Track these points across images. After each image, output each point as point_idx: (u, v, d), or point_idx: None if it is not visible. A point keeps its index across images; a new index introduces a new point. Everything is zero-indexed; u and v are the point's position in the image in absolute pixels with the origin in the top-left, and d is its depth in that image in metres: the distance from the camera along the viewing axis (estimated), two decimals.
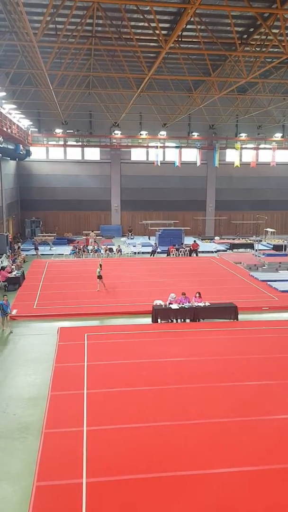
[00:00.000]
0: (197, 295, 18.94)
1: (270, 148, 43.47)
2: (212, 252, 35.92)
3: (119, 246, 34.96)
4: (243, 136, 43.83)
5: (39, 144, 42.43)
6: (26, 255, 32.43)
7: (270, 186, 45.52)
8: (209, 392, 12.15)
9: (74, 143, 43.27)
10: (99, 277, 22.64)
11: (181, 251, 34.47)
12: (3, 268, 24.30)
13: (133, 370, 13.50)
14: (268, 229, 41.26)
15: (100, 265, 23.39)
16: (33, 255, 33.07)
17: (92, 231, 39.44)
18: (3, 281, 23.19)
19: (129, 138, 43.37)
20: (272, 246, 36.87)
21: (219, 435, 10.11)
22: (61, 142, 43.09)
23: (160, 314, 18.21)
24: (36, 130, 41.73)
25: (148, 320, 18.37)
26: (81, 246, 34.24)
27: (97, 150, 43.75)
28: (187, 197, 44.82)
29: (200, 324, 18.13)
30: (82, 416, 10.79)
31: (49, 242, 36.62)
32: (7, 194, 36.32)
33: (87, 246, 34.77)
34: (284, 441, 9.89)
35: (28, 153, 39.46)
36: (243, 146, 43.66)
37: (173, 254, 34.02)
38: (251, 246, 36.93)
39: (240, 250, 36.97)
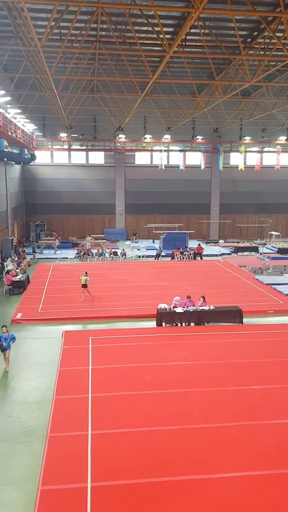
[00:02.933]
0: (201, 299, 18.90)
1: (275, 151, 43.43)
2: (216, 255, 35.86)
3: (123, 249, 35.00)
4: (247, 139, 43.83)
5: (43, 148, 42.60)
6: (31, 258, 32.54)
7: (274, 189, 45.45)
8: (214, 396, 12.10)
9: (79, 147, 43.42)
10: (84, 285, 21.29)
11: (185, 254, 34.44)
12: (8, 272, 24.37)
13: (137, 374, 13.47)
14: (272, 232, 41.19)
15: (86, 273, 21.76)
16: (37, 258, 33.32)
17: (89, 235, 39.13)
18: (8, 285, 23.26)
19: (133, 142, 43.46)
20: (277, 249, 36.76)
21: (224, 440, 10.06)
22: (66, 146, 43.25)
23: (164, 317, 18.17)
24: (41, 134, 41.93)
25: (152, 323, 18.34)
26: (86, 250, 34.30)
27: (102, 154, 43.87)
28: (191, 200, 44.82)
29: (204, 327, 18.07)
30: (86, 420, 10.77)
31: (54, 246, 36.72)
32: (12, 198, 36.46)
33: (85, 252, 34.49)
34: None
35: (33, 157, 39.61)
36: (247, 149, 43.64)
37: (177, 258, 33.99)
38: (255, 249, 36.85)
39: (245, 253, 36.88)
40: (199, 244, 36.49)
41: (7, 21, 20.65)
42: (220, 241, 42.50)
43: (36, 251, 34.30)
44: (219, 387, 12.57)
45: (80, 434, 10.16)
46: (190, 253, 34.58)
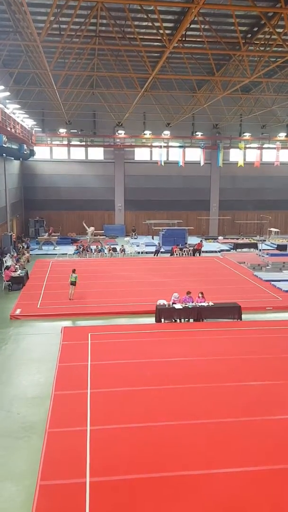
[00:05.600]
0: (200, 295, 18.92)
1: (274, 148, 43.35)
2: (215, 252, 35.87)
3: (122, 245, 34.98)
4: (247, 135, 43.74)
5: (43, 144, 42.49)
6: (31, 254, 32.54)
7: (274, 186, 45.40)
8: (213, 392, 12.13)
9: (78, 143, 43.30)
10: (73, 283, 20.94)
11: (184, 251, 34.45)
12: (7, 268, 24.37)
13: (136, 370, 13.50)
14: (272, 229, 41.20)
15: (74, 271, 21.35)
16: (36, 254, 33.37)
17: (90, 227, 39.06)
18: (7, 281, 23.25)
19: (132, 138, 43.36)
20: (276, 246, 36.78)
21: (223, 435, 10.09)
22: (65, 142, 43.14)
23: (163, 314, 18.20)
24: (40, 130, 41.80)
25: (151, 319, 18.37)
26: (85, 246, 34.27)
27: (101, 150, 43.77)
28: (190, 196, 44.77)
29: (203, 324, 18.10)
30: (85, 415, 10.80)
31: (53, 242, 36.72)
32: (11, 194, 36.39)
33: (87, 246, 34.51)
34: None
35: (32, 153, 39.53)
36: (247, 145, 43.56)
37: (176, 254, 34.00)
38: (255, 246, 36.85)
39: (244, 250, 36.86)
40: (201, 241, 36.49)
41: (6, 15, 20.51)
42: (219, 237, 42.51)
43: (35, 246, 34.34)
44: (218, 383, 12.61)
45: (79, 430, 10.19)
46: (190, 250, 34.58)
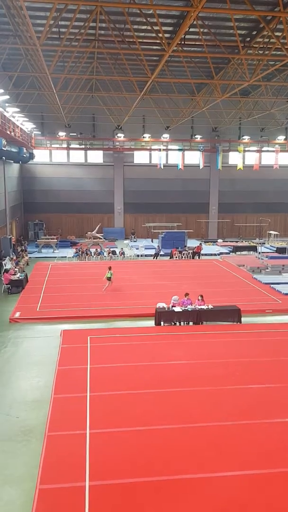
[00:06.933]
0: (199, 298, 18.91)
1: (273, 151, 43.49)
2: (215, 254, 35.88)
3: (122, 249, 34.99)
4: (246, 138, 43.86)
5: (42, 147, 42.57)
6: (30, 257, 32.53)
7: (273, 189, 45.49)
8: (212, 395, 12.11)
9: (77, 146, 43.38)
10: (109, 279, 22.87)
11: (184, 253, 34.45)
12: (6, 271, 24.35)
13: (136, 373, 13.47)
14: (271, 232, 41.23)
15: (110, 268, 23.44)
16: (36, 257, 33.36)
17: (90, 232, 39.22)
18: (6, 284, 23.23)
19: (132, 141, 43.45)
20: (275, 249, 36.81)
21: (223, 438, 10.07)
22: (64, 145, 43.22)
23: (163, 317, 18.17)
24: (40, 133, 41.89)
25: (151, 323, 18.35)
26: (84, 249, 34.27)
27: (100, 153, 43.85)
28: (190, 199, 44.83)
29: (203, 327, 18.08)
30: (85, 419, 10.77)
31: (52, 245, 36.71)
32: (11, 197, 36.40)
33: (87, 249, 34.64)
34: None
35: (32, 156, 39.58)
36: (246, 148, 43.70)
37: (176, 257, 34.00)
38: (254, 248, 36.89)
39: (243, 252, 36.91)
40: (200, 244, 36.50)
41: (6, 19, 20.61)
42: (218, 240, 42.54)
43: (35, 249, 34.33)
44: (218, 386, 12.58)
45: (78, 433, 10.16)
46: (189, 252, 34.59)
